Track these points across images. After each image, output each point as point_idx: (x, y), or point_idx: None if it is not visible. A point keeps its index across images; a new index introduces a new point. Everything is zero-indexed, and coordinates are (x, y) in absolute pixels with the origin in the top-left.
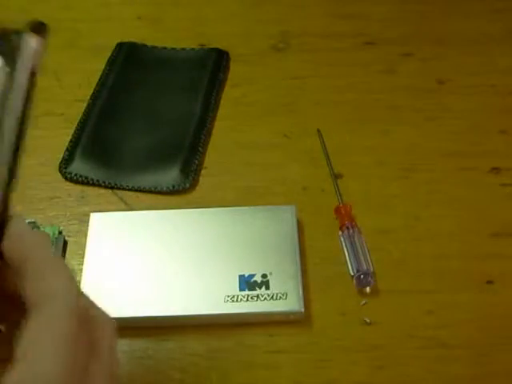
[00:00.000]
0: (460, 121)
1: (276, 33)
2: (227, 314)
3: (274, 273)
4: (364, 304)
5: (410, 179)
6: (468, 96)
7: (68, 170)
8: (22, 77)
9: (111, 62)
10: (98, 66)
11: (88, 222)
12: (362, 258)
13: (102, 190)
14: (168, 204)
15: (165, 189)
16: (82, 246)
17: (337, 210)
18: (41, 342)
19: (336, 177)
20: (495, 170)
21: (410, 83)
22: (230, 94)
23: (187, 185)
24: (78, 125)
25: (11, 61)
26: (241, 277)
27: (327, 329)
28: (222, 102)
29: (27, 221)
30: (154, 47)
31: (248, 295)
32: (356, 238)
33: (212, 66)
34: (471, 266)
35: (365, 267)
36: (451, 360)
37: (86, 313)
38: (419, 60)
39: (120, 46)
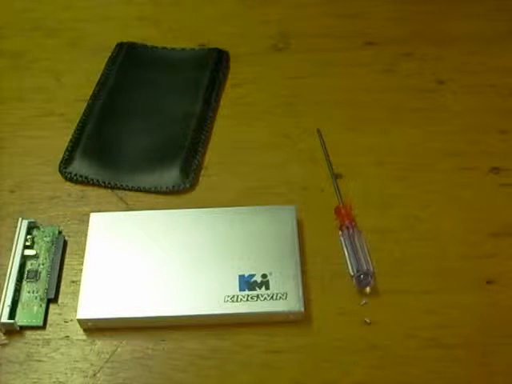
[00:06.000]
0: (460, 121)
1: (276, 33)
2: (227, 314)
3: (274, 273)
4: (364, 304)
5: (410, 179)
6: (468, 96)
7: (68, 169)
8: None
9: (111, 62)
10: (98, 66)
11: (88, 221)
12: (362, 258)
13: (102, 190)
14: (168, 204)
15: (165, 189)
16: (82, 246)
17: (337, 210)
18: None
19: (336, 177)
20: (495, 170)
21: (410, 83)
22: (230, 94)
23: (187, 185)
24: (77, 125)
25: None
26: (241, 277)
27: (327, 329)
28: (222, 102)
29: (27, 221)
30: (154, 47)
31: (248, 295)
32: (356, 238)
33: (212, 66)
34: (471, 266)
35: (365, 267)
36: (451, 360)
37: None
38: (419, 60)
39: (120, 46)
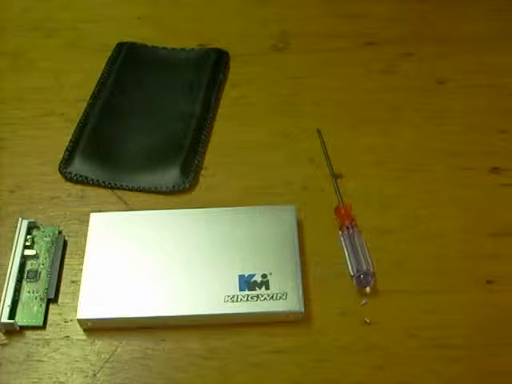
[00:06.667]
0: (460, 121)
1: (276, 33)
2: (227, 314)
3: (273, 273)
4: (364, 304)
5: (410, 179)
6: (468, 96)
7: (68, 170)
8: None
9: (111, 62)
10: (98, 66)
11: (88, 221)
12: (362, 258)
13: (102, 190)
14: (168, 204)
15: (165, 189)
16: (82, 246)
17: (337, 210)
18: None
19: (336, 177)
20: (495, 170)
21: (410, 83)
22: (229, 94)
23: (187, 185)
24: (78, 125)
25: None
26: (241, 277)
27: (327, 329)
28: (222, 101)
29: (27, 221)
30: (154, 47)
31: (248, 295)
32: (356, 238)
33: (212, 66)
34: (471, 266)
35: (365, 267)
36: (451, 360)
37: None
38: (419, 60)
39: (120, 46)
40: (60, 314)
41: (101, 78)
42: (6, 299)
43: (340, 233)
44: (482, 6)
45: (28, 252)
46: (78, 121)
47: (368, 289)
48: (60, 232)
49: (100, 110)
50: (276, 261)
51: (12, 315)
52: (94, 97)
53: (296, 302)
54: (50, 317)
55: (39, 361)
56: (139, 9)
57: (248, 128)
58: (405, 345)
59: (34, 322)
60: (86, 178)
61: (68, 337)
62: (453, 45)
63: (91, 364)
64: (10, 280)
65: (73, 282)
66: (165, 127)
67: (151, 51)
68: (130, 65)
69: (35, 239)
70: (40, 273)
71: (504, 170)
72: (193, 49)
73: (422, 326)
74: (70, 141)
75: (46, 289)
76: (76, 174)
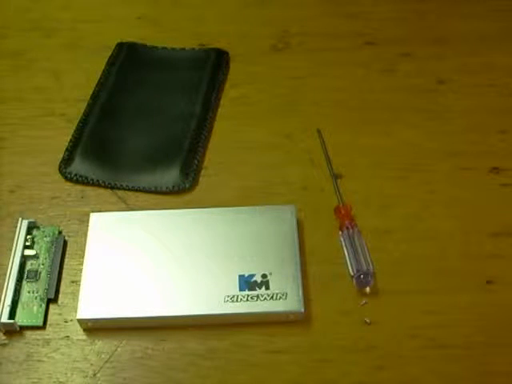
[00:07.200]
0: (460, 121)
1: (276, 33)
2: (227, 314)
3: (274, 273)
4: (364, 304)
5: (410, 179)
6: (468, 96)
7: (68, 170)
8: None
9: (111, 62)
10: (98, 66)
11: (88, 221)
12: (361, 258)
13: (102, 190)
14: (168, 204)
15: (164, 189)
16: (82, 246)
17: (337, 210)
18: None
19: (336, 177)
20: (495, 170)
21: (410, 83)
22: (229, 94)
23: (187, 185)
24: (78, 125)
25: None
26: (241, 277)
27: (327, 329)
28: (222, 101)
29: (27, 221)
30: (154, 47)
31: (248, 295)
32: (356, 238)
33: (212, 66)
34: (471, 266)
35: (365, 267)
36: (451, 360)
37: None
38: (419, 60)
39: (120, 46)
40: (60, 314)
41: (101, 78)
42: (6, 299)
43: (340, 233)
44: (483, 7)
45: (28, 252)
46: (77, 121)
47: (368, 289)
48: (60, 232)
49: (100, 110)
50: (276, 261)
51: (12, 315)
52: (94, 97)
53: (296, 302)
54: (50, 317)
55: (39, 361)
56: (139, 9)
57: (248, 128)
58: (405, 345)
59: (33, 322)
60: (86, 177)
61: (68, 337)
62: (453, 45)
63: (91, 364)
64: (10, 280)
65: (73, 282)
66: (165, 127)
67: (151, 51)
68: (130, 65)
69: (35, 239)
70: (40, 273)
71: (504, 170)
72: (193, 49)
73: (422, 326)
74: (70, 141)
75: (46, 289)
76: (76, 174)
